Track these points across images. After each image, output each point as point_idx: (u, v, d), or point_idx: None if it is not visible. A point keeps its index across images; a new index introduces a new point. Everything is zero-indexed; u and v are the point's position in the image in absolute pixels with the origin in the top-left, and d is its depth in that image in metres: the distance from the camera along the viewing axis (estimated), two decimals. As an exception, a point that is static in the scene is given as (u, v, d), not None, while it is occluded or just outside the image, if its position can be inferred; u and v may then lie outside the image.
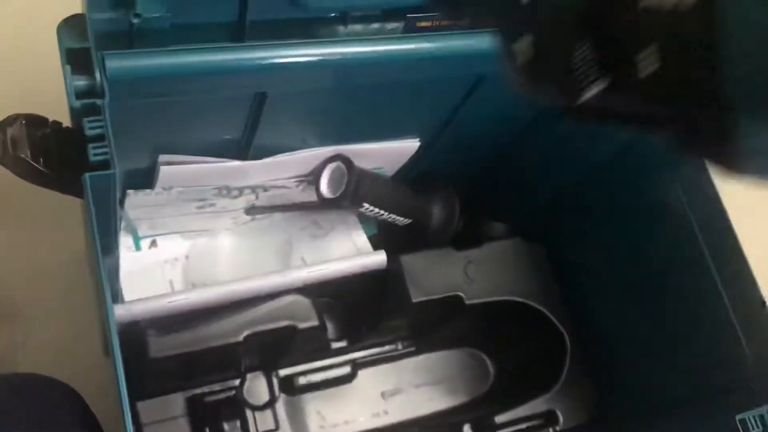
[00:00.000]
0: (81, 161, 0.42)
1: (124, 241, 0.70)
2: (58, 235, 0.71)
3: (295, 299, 0.62)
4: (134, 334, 0.59)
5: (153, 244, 0.71)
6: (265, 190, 0.67)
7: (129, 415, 0.38)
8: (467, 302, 0.66)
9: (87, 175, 0.41)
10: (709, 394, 0.56)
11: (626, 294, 0.65)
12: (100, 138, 0.42)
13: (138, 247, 0.70)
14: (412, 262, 0.66)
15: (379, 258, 0.64)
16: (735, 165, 0.22)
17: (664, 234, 0.59)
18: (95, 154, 0.42)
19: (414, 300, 0.64)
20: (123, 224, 0.68)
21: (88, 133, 0.42)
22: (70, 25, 0.44)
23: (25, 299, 0.71)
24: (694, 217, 0.56)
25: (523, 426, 0.66)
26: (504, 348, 0.74)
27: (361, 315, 0.70)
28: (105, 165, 0.42)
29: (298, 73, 0.49)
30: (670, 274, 0.59)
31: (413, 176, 0.72)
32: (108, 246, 0.52)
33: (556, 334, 0.69)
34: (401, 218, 0.69)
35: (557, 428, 0.66)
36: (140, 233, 0.69)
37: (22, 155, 0.40)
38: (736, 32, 0.20)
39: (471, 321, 0.69)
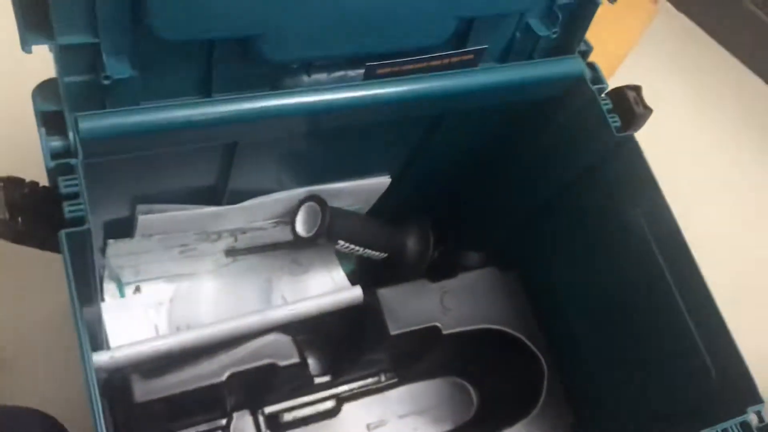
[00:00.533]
0: (57, 218, 0.44)
1: (108, 288, 0.71)
2: (44, 285, 0.73)
3: (276, 338, 0.64)
4: (119, 379, 0.61)
5: (137, 289, 0.73)
6: (244, 232, 0.69)
7: (110, 461, 0.40)
8: (445, 332, 0.68)
9: (63, 232, 0.43)
10: (679, 412, 0.57)
11: (598, 317, 0.67)
12: (75, 196, 0.44)
13: (122, 294, 0.72)
14: (389, 295, 0.67)
15: (355, 293, 0.66)
16: None
17: (629, 257, 0.61)
18: (70, 212, 0.44)
19: (392, 333, 0.66)
20: (106, 272, 0.70)
21: (63, 191, 0.44)
22: (44, 89, 0.46)
23: (14, 349, 0.72)
24: (653, 240, 0.58)
25: (504, 452, 0.68)
26: (484, 375, 0.76)
27: (342, 349, 0.72)
28: (80, 221, 0.44)
29: (266, 124, 0.51)
30: (637, 297, 0.61)
31: (388, 210, 0.74)
32: (88, 296, 0.53)
33: (533, 359, 0.71)
34: (377, 253, 0.71)
35: (538, 452, 0.68)
36: (124, 280, 0.71)
37: (1, 217, 0.42)
38: None
39: (450, 350, 0.71)
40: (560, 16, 0.57)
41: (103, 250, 0.65)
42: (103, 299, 0.71)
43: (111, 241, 0.62)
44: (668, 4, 1.28)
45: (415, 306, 0.68)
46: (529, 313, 0.72)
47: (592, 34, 0.59)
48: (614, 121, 0.58)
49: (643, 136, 0.59)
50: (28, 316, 0.74)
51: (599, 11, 0.57)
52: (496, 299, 0.71)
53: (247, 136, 0.53)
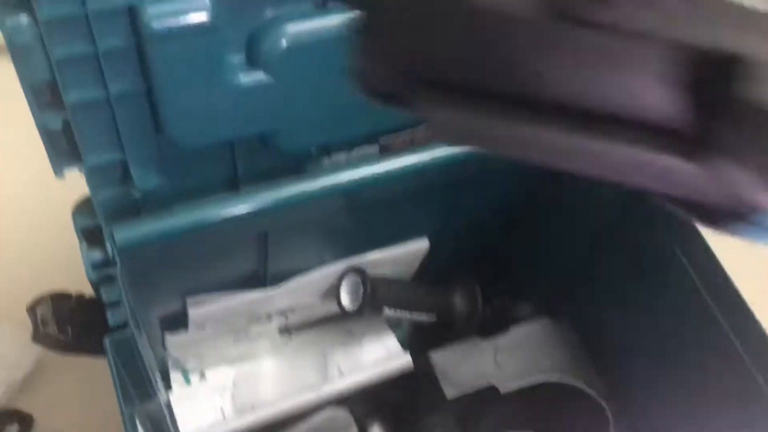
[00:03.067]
0: (103, 325, 0.47)
1: (175, 377, 0.74)
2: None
3: (332, 414, 0.65)
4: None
5: (202, 376, 0.75)
6: (293, 310, 0.71)
7: None
8: (503, 391, 0.67)
9: (107, 338, 0.46)
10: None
11: (652, 358, 0.65)
12: (117, 304, 0.47)
13: (188, 381, 0.75)
14: (442, 358, 0.68)
15: (403, 361, 0.66)
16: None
17: (673, 296, 0.59)
18: (114, 318, 0.47)
19: (449, 397, 0.66)
20: (170, 362, 0.73)
21: (106, 300, 0.47)
22: (82, 208, 0.50)
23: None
24: (696, 277, 0.56)
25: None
26: (550, 429, 0.74)
27: (401, 417, 0.72)
28: (124, 326, 0.47)
29: (295, 210, 0.53)
30: (687, 336, 0.59)
31: (434, 272, 0.75)
32: (145, 391, 0.56)
33: (596, 408, 0.69)
34: (425, 315, 0.71)
35: (611, 505, 0.66)
36: (188, 367, 0.74)
37: (51, 332, 0.45)
38: None
39: (510, 407, 0.70)
40: None
41: (163, 343, 0.68)
42: (170, 387, 0.73)
43: (168, 335, 0.65)
44: None
45: (470, 367, 0.68)
46: (587, 360, 0.70)
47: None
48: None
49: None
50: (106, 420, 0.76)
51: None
52: (551, 350, 0.70)
53: (280, 224, 0.55)
